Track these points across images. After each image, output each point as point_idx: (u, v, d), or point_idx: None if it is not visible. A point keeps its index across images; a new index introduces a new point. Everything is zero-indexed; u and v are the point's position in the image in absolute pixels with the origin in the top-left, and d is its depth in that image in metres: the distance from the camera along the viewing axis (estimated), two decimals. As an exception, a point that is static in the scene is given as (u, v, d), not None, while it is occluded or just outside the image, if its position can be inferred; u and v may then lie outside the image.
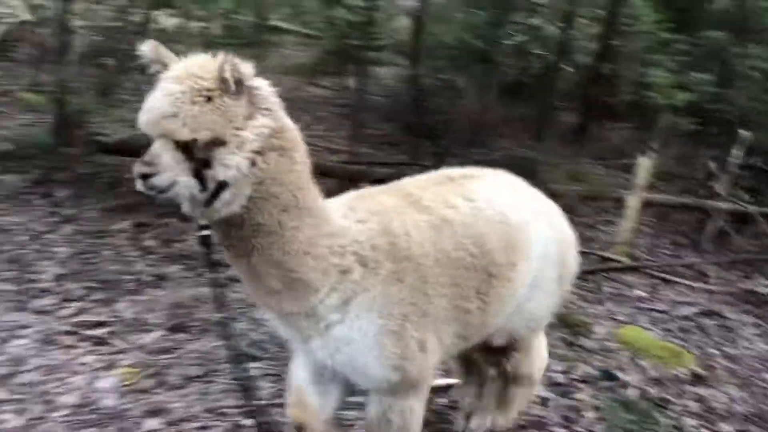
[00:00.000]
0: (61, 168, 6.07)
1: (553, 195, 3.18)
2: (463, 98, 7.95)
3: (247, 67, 2.08)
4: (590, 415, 3.84)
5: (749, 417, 4.07)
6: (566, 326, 4.72)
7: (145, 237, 5.59)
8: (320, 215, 2.32)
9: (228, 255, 2.29)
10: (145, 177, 2.03)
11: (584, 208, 7.08)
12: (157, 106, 2.04)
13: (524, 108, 8.66)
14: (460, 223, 2.64)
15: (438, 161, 7.60)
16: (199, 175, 2.05)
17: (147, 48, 2.17)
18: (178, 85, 2.03)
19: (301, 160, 2.25)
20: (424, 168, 7.73)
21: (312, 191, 2.31)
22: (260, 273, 2.26)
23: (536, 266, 2.87)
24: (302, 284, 2.31)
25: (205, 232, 2.25)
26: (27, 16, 12.07)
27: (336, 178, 6.29)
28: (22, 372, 3.69)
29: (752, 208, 6.94)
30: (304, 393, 2.74)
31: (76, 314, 4.34)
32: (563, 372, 4.22)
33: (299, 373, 2.77)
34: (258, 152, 2.09)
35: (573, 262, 3.10)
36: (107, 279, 4.81)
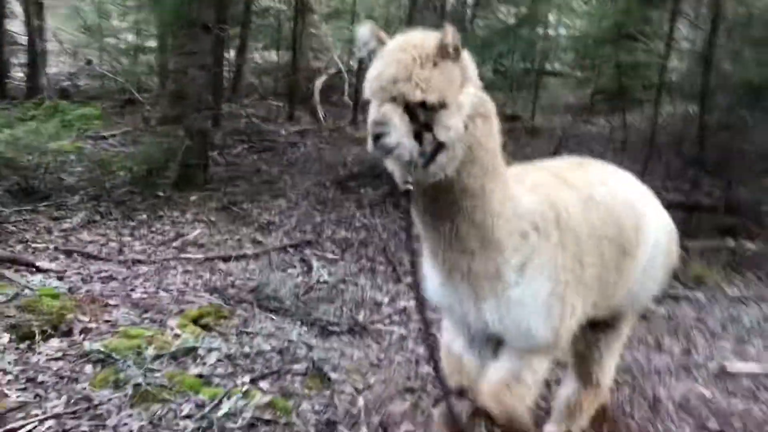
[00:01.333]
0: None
1: None
2: (752, 133, 8.20)
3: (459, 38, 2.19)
4: None
5: None
6: None
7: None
8: (507, 180, 2.45)
9: (428, 221, 2.39)
10: (377, 137, 2.12)
11: None
12: (389, 72, 2.13)
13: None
14: (602, 202, 2.80)
15: (723, 191, 8.02)
16: (418, 137, 2.15)
17: (365, 28, 2.31)
18: (404, 54, 2.14)
19: (497, 128, 2.37)
20: (708, 196, 8.12)
21: (501, 158, 2.41)
22: (461, 234, 2.37)
23: (650, 252, 3.03)
24: (494, 244, 2.42)
25: (409, 187, 2.25)
26: (342, 66, 14.79)
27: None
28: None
29: None
30: (462, 360, 2.83)
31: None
32: None
33: (454, 344, 2.86)
34: (469, 117, 2.23)
35: (675, 252, 3.27)
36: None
